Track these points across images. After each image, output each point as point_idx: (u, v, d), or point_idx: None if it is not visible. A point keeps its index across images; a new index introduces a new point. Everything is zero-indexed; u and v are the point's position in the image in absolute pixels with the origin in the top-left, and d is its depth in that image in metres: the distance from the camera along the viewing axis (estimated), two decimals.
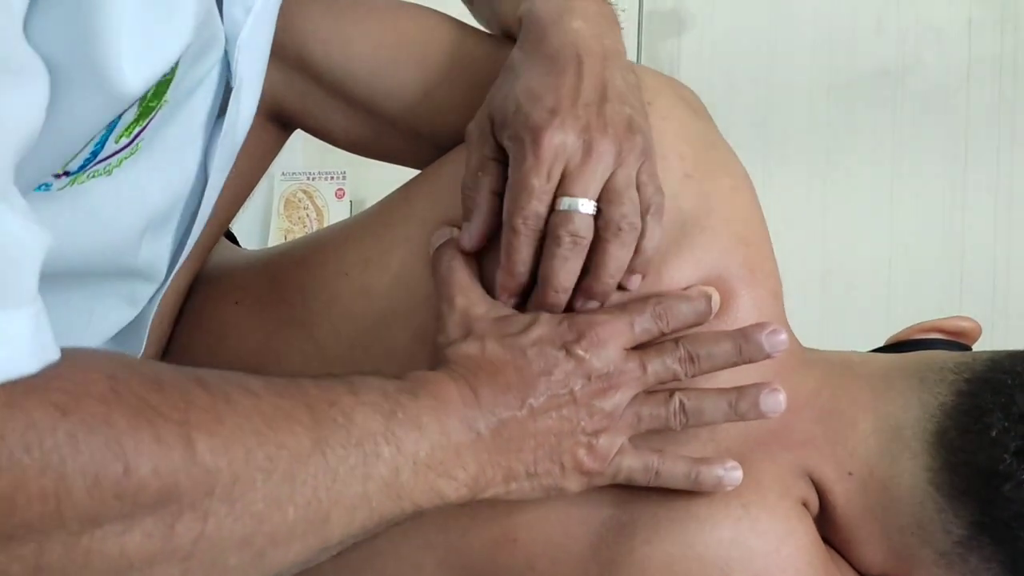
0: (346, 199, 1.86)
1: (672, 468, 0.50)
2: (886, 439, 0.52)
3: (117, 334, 0.52)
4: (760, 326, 0.51)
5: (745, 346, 0.50)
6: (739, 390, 0.51)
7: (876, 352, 0.61)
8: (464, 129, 0.54)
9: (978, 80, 1.70)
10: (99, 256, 0.45)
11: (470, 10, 0.64)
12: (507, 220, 0.49)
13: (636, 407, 0.50)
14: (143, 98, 0.40)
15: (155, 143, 0.44)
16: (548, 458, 0.47)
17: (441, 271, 0.52)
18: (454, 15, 0.62)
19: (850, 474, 0.53)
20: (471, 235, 0.52)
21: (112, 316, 0.51)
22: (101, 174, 0.42)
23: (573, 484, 0.49)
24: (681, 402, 0.50)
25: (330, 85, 0.61)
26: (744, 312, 0.53)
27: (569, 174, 0.48)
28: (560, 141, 0.48)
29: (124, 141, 0.42)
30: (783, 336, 0.50)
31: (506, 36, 0.59)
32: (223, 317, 0.61)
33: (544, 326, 0.49)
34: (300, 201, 1.86)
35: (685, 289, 0.52)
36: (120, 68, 0.36)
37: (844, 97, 1.76)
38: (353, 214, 1.90)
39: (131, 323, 0.53)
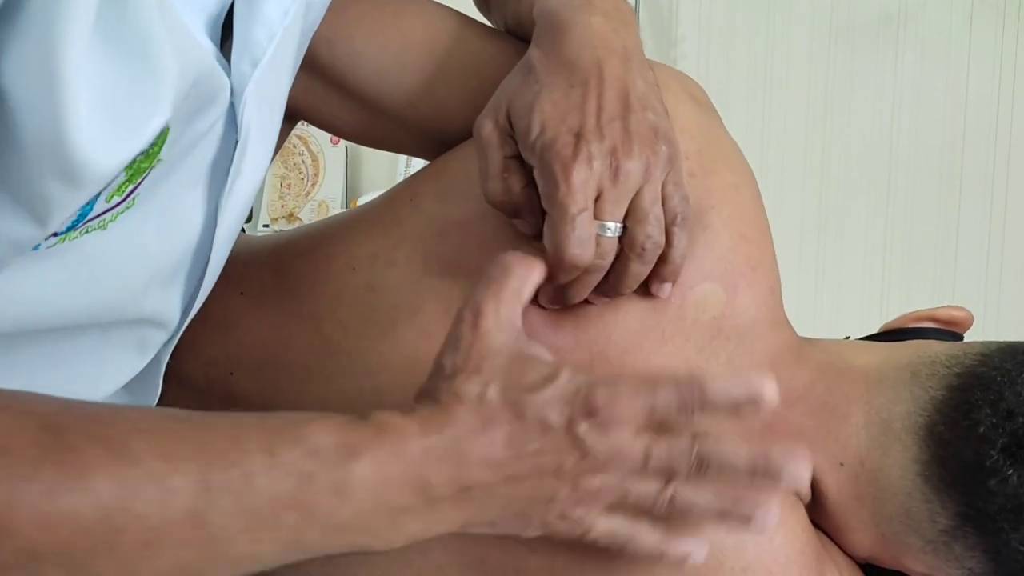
0: (341, 145, 1.85)
1: (641, 541, 0.46)
2: (877, 432, 0.54)
3: (131, 381, 0.52)
4: (787, 454, 0.44)
5: (762, 473, 0.45)
6: (736, 499, 0.45)
7: (870, 339, 0.62)
8: (470, 125, 0.54)
9: (980, 25, 1.68)
10: (100, 307, 0.43)
11: (486, 16, 0.63)
12: (561, 251, 0.48)
13: (626, 484, 0.45)
14: (131, 163, 0.38)
15: (153, 197, 0.43)
16: (513, 517, 0.43)
17: (494, 271, 0.46)
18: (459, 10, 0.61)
19: (842, 465, 0.54)
20: (533, 227, 0.52)
21: (124, 364, 0.50)
22: (96, 228, 0.41)
23: (535, 533, 0.45)
24: (673, 497, 0.45)
25: (335, 82, 0.60)
26: (744, 308, 0.55)
27: (599, 198, 0.49)
28: (588, 170, 0.48)
29: (116, 199, 0.40)
30: (805, 473, 0.45)
31: (522, 38, 0.58)
32: (228, 308, 0.61)
33: (558, 389, 0.43)
34: (295, 147, 1.84)
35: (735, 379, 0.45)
36: (86, 150, 0.34)
37: (846, 41, 1.74)
38: (348, 160, 1.90)
39: (145, 369, 0.52)
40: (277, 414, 0.41)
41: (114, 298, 0.45)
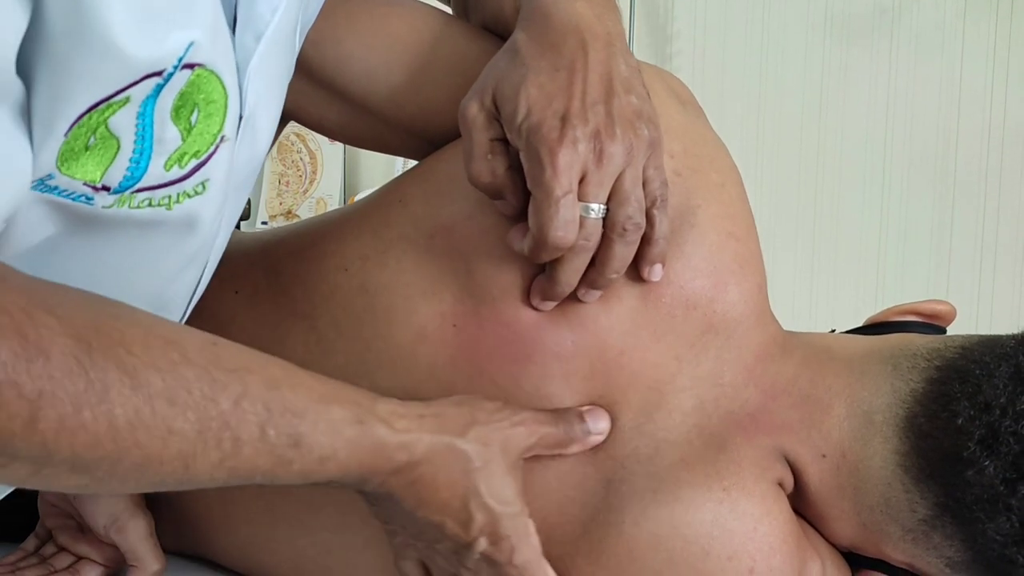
0: (339, 143, 1.85)
1: None
2: (859, 424, 0.55)
3: None
4: None
5: None
6: None
7: (854, 332, 0.63)
8: (457, 123, 0.55)
9: (974, 18, 1.69)
10: (140, 291, 0.46)
11: (463, 17, 0.64)
12: (545, 232, 0.50)
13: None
14: (196, 132, 0.41)
15: (216, 182, 0.45)
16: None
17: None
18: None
19: (824, 456, 0.55)
20: (514, 208, 0.54)
21: None
22: (160, 205, 0.43)
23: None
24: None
25: (324, 83, 0.61)
26: (733, 304, 0.56)
27: (583, 180, 0.50)
28: (573, 152, 0.50)
29: (177, 171, 0.43)
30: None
31: (501, 36, 0.59)
32: (223, 306, 0.62)
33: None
34: (293, 144, 1.85)
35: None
36: (114, 31, 0.37)
37: (841, 34, 1.75)
38: (346, 158, 1.91)
39: None
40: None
41: (154, 283, 0.48)
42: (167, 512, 0.64)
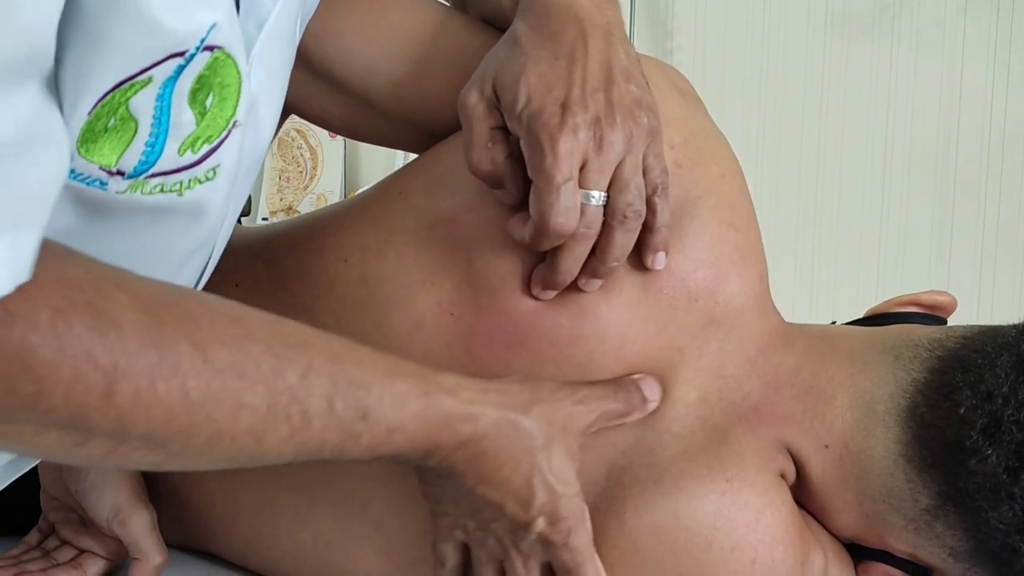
0: (339, 138, 1.85)
1: None
2: (861, 414, 0.55)
3: None
4: None
5: None
6: None
7: (855, 324, 0.63)
8: (457, 117, 0.55)
9: (974, 15, 1.69)
10: (150, 268, 0.46)
11: (462, 10, 0.64)
12: (546, 219, 0.50)
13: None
14: (208, 115, 0.41)
15: (226, 167, 0.45)
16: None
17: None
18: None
19: (826, 447, 0.55)
20: (515, 197, 0.54)
21: None
22: (172, 191, 0.43)
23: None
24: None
25: (324, 76, 0.61)
26: (734, 296, 0.56)
27: (583, 167, 0.51)
28: (574, 139, 0.50)
29: (190, 157, 0.43)
30: None
31: (501, 29, 0.59)
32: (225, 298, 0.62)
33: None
34: (293, 140, 1.85)
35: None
36: (153, 2, 0.37)
37: (841, 30, 1.75)
38: (346, 154, 1.91)
39: None
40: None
41: (163, 271, 0.48)
42: (169, 505, 0.64)
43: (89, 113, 0.39)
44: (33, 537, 0.65)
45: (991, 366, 0.52)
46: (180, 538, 0.65)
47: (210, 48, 0.41)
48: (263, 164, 2.03)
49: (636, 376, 0.54)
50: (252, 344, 0.41)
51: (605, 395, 0.53)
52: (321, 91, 0.62)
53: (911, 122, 1.73)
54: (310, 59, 0.61)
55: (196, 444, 0.40)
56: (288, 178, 1.86)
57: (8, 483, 0.57)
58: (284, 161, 1.86)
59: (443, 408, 0.47)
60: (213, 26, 0.40)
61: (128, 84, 0.39)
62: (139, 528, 0.60)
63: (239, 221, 0.74)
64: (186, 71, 0.40)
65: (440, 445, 0.47)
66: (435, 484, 0.51)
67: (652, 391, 0.54)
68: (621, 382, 0.54)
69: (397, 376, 0.46)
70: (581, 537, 0.51)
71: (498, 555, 0.52)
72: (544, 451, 0.49)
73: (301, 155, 1.86)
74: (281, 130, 1.91)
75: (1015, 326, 0.55)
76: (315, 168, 1.86)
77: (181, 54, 0.40)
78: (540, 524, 0.50)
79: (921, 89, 1.72)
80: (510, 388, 0.50)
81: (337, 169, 1.87)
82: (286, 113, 0.64)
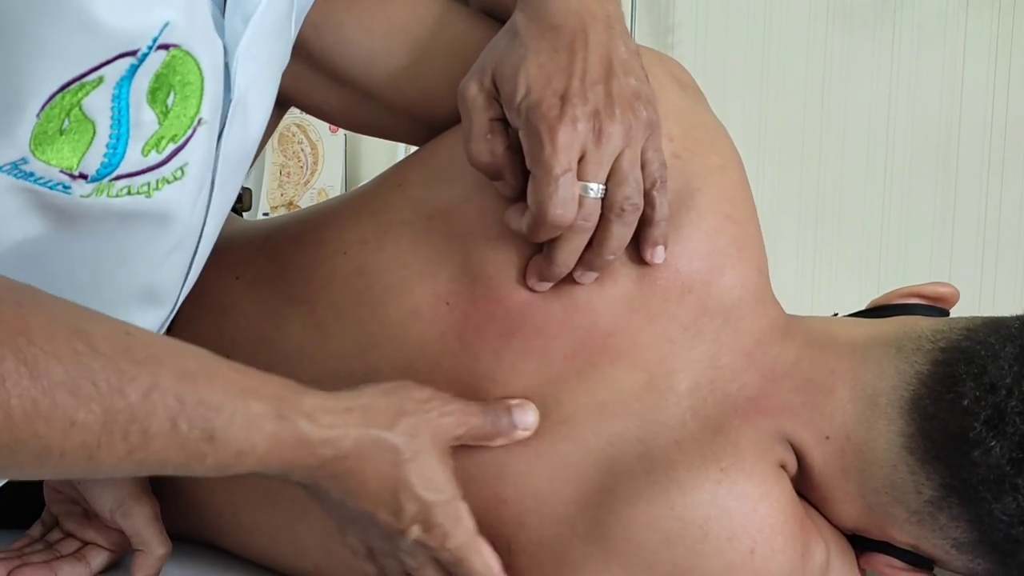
0: (340, 133, 1.85)
1: None
2: (863, 406, 0.55)
3: None
4: None
5: None
6: None
7: (857, 316, 0.63)
8: (456, 108, 0.55)
9: (976, 8, 1.69)
10: (118, 283, 0.46)
11: (462, 2, 0.64)
12: (544, 209, 0.50)
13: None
14: (172, 114, 0.40)
15: (194, 166, 0.44)
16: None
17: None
18: None
19: (828, 438, 0.55)
20: (513, 189, 0.54)
21: None
22: (140, 192, 0.43)
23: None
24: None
25: (324, 68, 0.61)
26: (730, 288, 0.56)
27: (581, 159, 0.51)
28: (573, 131, 0.50)
29: (155, 157, 0.42)
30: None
31: (500, 20, 0.59)
32: (225, 292, 0.62)
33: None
34: (294, 135, 1.85)
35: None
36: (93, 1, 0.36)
37: (842, 23, 1.75)
38: (347, 148, 1.91)
39: None
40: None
41: (140, 274, 0.47)
42: (172, 497, 0.64)
43: (38, 115, 0.38)
44: (36, 530, 0.65)
45: (994, 358, 0.52)
46: (183, 529, 0.66)
47: (165, 46, 0.40)
48: (264, 159, 2.01)
49: (513, 401, 0.54)
50: (92, 359, 0.40)
51: (473, 412, 0.53)
52: (321, 83, 0.62)
53: (913, 115, 1.73)
54: (310, 50, 0.60)
55: (22, 459, 0.40)
56: (289, 173, 1.85)
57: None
58: (285, 156, 1.86)
59: (298, 432, 0.46)
60: (166, 24, 0.39)
61: (77, 85, 0.38)
62: (142, 520, 0.60)
63: (241, 216, 0.74)
64: (140, 70, 0.40)
65: (296, 466, 0.47)
66: (311, 492, 0.51)
67: (524, 418, 0.54)
68: (493, 404, 0.54)
69: (252, 397, 0.45)
70: (458, 536, 0.51)
71: (390, 552, 0.53)
72: (413, 463, 0.49)
73: (302, 150, 1.85)
74: (281, 125, 1.91)
75: (1018, 317, 0.55)
76: (316, 163, 1.86)
77: (132, 53, 0.39)
78: (415, 532, 0.50)
79: (922, 83, 1.72)
80: (375, 403, 0.50)
81: (338, 164, 1.87)
82: (286, 106, 0.64)
